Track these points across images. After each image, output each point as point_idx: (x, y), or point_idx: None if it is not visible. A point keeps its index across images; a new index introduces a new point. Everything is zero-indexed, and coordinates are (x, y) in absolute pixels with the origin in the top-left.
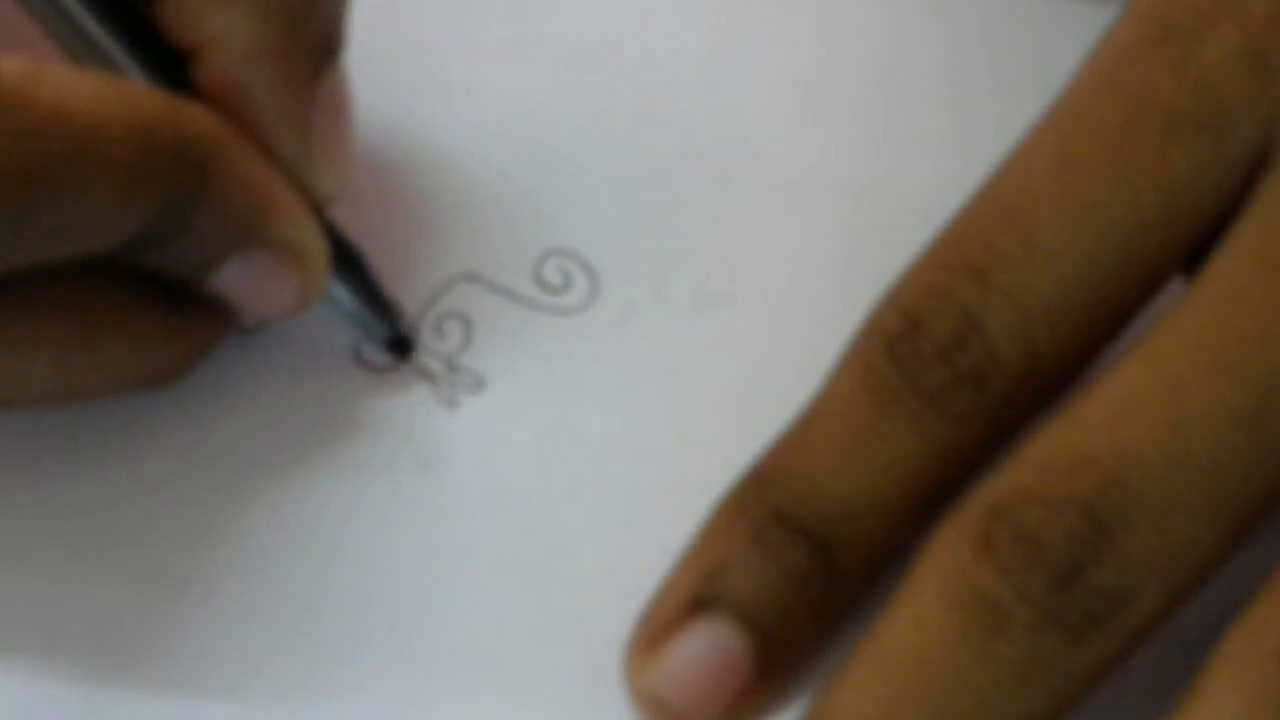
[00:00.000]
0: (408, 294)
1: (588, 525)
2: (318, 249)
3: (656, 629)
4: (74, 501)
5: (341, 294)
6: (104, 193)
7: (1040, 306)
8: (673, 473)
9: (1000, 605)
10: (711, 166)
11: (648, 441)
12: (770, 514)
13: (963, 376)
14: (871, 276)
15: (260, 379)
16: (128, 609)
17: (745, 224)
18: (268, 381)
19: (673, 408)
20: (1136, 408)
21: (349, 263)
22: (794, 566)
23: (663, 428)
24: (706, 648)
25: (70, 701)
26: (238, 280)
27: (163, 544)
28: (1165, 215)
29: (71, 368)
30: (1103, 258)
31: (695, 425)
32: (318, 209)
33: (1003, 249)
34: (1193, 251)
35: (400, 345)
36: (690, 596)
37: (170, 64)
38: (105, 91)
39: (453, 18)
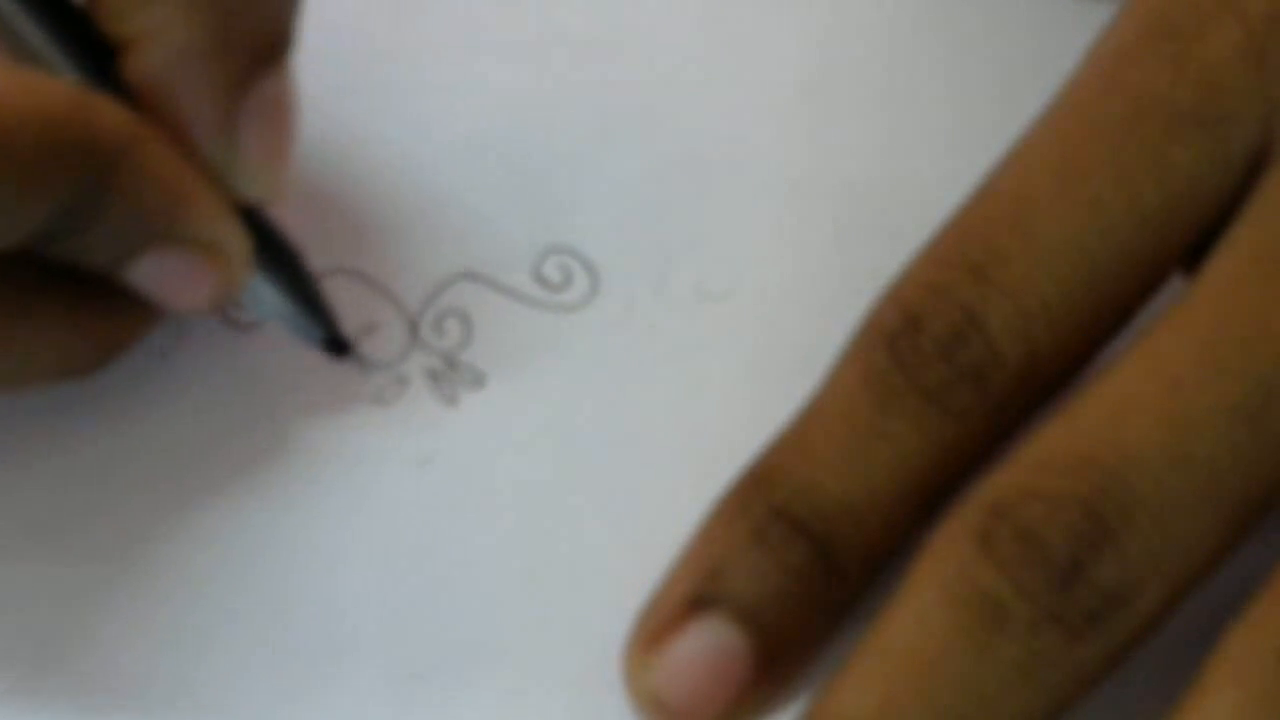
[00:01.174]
0: (408, 291)
1: (587, 522)
2: (236, 247)
3: (656, 627)
4: (65, 498)
5: (272, 293)
6: (0, 187)
7: (1040, 304)
8: (672, 470)
9: (1001, 603)
10: (711, 164)
11: (647, 439)
12: (770, 512)
13: (963, 374)
14: (871, 274)
15: (258, 375)
16: (120, 607)
17: (745, 221)
18: (265, 377)
19: (672, 405)
20: (1137, 405)
21: (282, 261)
22: (794, 564)
23: (662, 425)
24: (706, 646)
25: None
26: (152, 276)
27: (157, 540)
28: (1165, 212)
29: None
30: (1103, 255)
31: (695, 422)
32: (251, 206)
33: (1003, 246)
34: (1193, 249)
35: (335, 345)
36: (690, 595)
37: (103, 59)
38: (7, 82)
39: (453, 16)
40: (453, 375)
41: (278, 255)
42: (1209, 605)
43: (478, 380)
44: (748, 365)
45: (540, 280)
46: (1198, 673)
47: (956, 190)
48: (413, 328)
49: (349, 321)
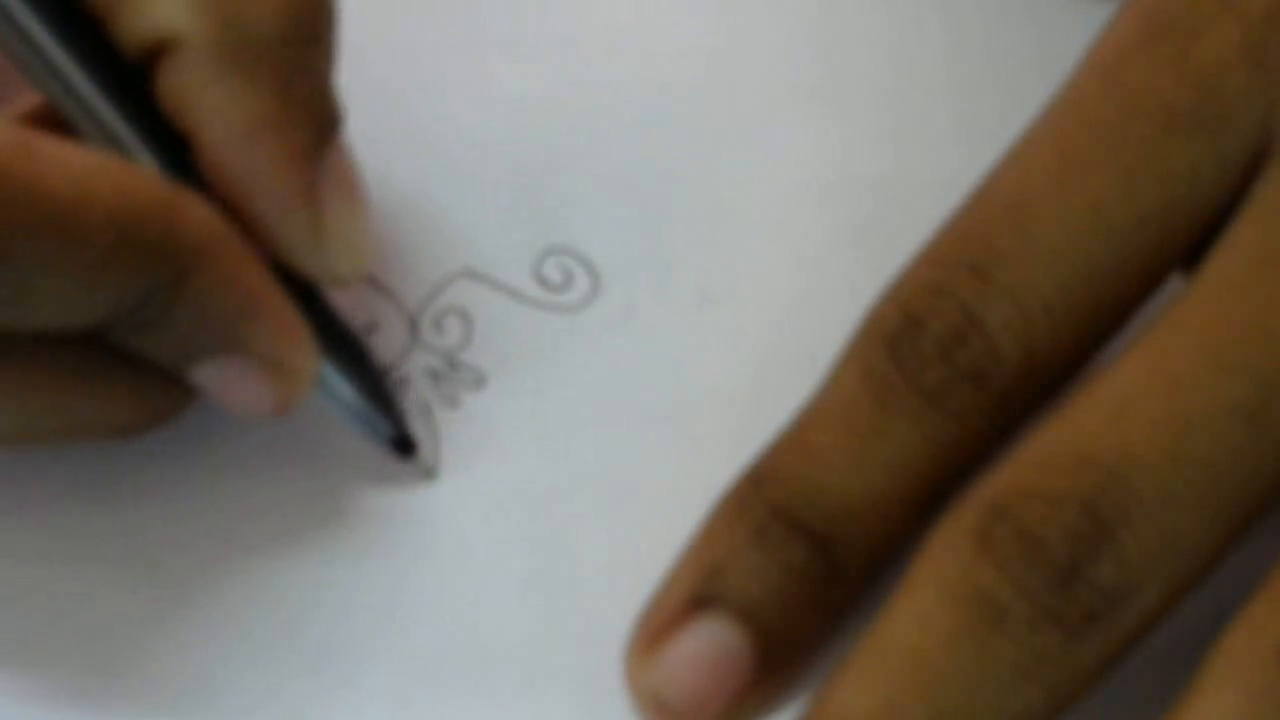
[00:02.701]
0: (408, 290)
1: (587, 522)
2: (303, 362)
3: (657, 627)
4: (69, 508)
5: (342, 388)
6: (72, 273)
7: (1040, 304)
8: (673, 470)
9: (1000, 602)
10: (712, 165)
11: (648, 439)
12: (770, 512)
13: (963, 374)
14: (872, 275)
15: None
16: (123, 608)
17: (746, 222)
18: None
19: (673, 405)
20: (1136, 405)
21: (351, 356)
22: (794, 565)
23: (663, 425)
24: (707, 646)
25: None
26: (214, 380)
27: (160, 548)
28: (1165, 211)
29: (34, 417)
30: (1102, 255)
31: (695, 423)
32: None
33: (1002, 246)
34: (1192, 248)
35: (403, 445)
36: (690, 595)
37: (181, 151)
38: (95, 171)
39: (454, 15)
40: (453, 375)
41: (347, 350)
42: (1207, 605)
43: (478, 380)
44: (748, 366)
45: (541, 280)
46: (1196, 673)
47: (956, 190)
48: (413, 326)
49: (350, 321)
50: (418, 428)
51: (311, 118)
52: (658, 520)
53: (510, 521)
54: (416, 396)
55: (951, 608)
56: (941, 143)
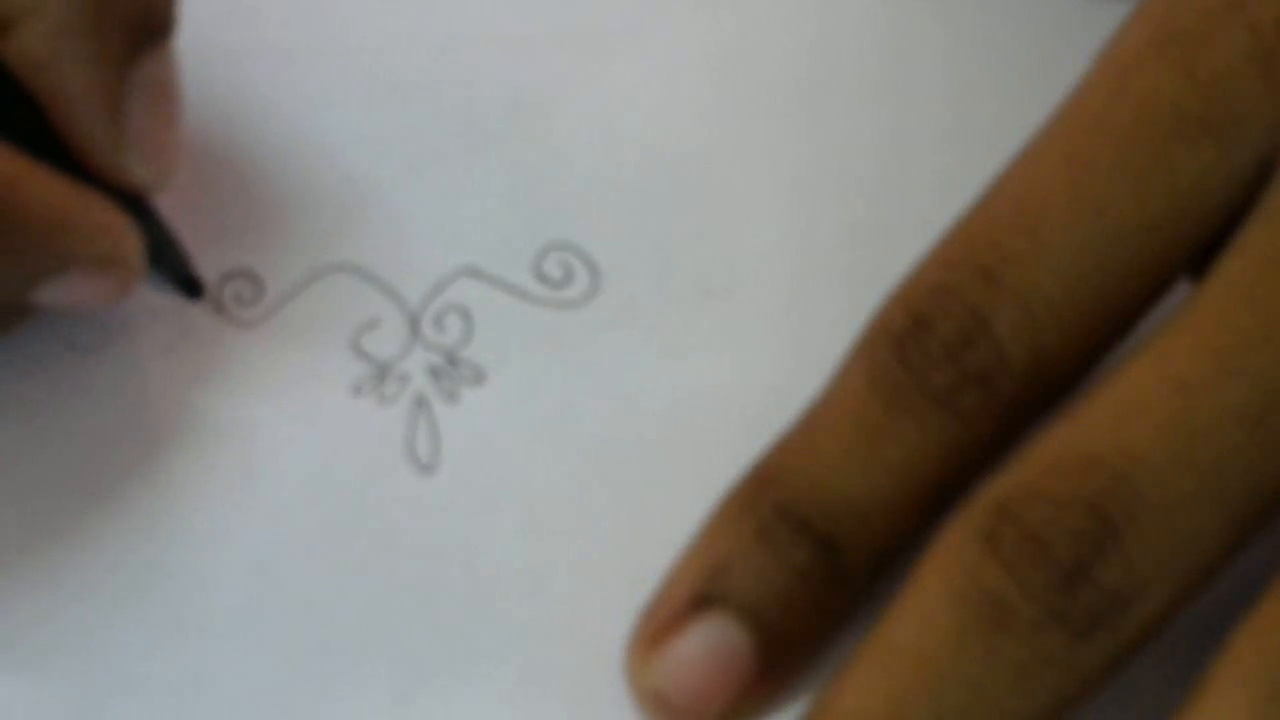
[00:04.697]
0: (409, 287)
1: (588, 519)
2: (133, 249)
3: (659, 625)
4: (66, 501)
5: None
6: None
7: (1048, 307)
8: (674, 468)
9: (1005, 603)
10: (713, 161)
11: (648, 436)
12: (774, 511)
13: (970, 376)
14: (874, 273)
15: (256, 372)
16: (122, 608)
17: (746, 219)
18: (264, 375)
19: (673, 403)
20: (1143, 408)
21: (136, 211)
22: (798, 564)
23: (663, 423)
24: (709, 645)
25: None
26: (54, 298)
27: (154, 541)
28: (1173, 216)
29: None
30: (1110, 258)
31: (696, 420)
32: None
33: (1011, 249)
34: (1200, 254)
35: (191, 286)
36: (693, 593)
37: None
38: None
39: (455, 11)
40: (453, 372)
41: (130, 205)
42: (1214, 606)
43: (478, 377)
44: (749, 364)
45: (541, 277)
46: (1203, 674)
47: (961, 190)
48: (414, 324)
49: (350, 318)
50: (416, 424)
51: (126, 24)
52: (659, 518)
53: (510, 517)
54: (415, 392)
55: (957, 608)
56: (945, 142)
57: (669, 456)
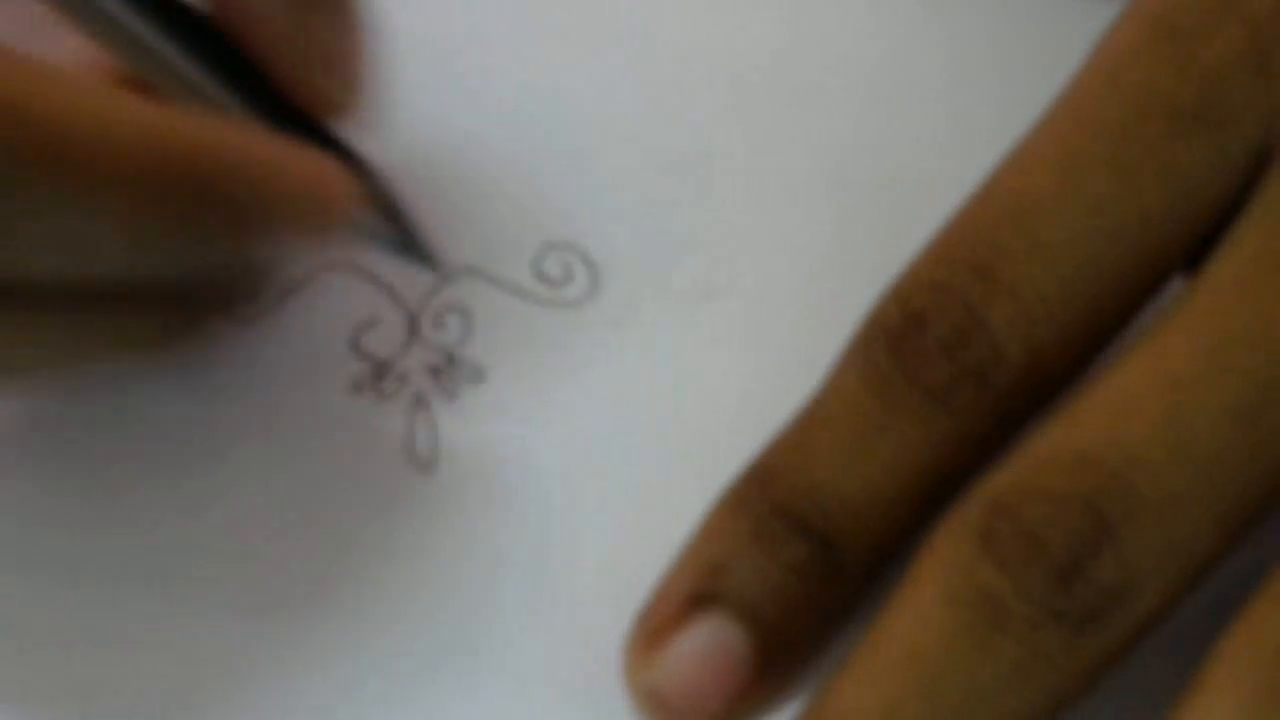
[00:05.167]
0: (409, 286)
1: (586, 518)
2: (343, 189)
3: (656, 625)
4: (65, 497)
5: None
6: (67, 201)
7: (1043, 303)
8: (673, 467)
9: (1001, 601)
10: (713, 160)
11: (647, 435)
12: (771, 510)
13: (965, 372)
14: (872, 272)
15: (256, 370)
16: (121, 607)
17: (746, 218)
18: (264, 373)
19: (673, 401)
20: (1138, 405)
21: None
22: (795, 563)
23: (663, 422)
24: (707, 644)
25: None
26: (279, 248)
27: (156, 542)
28: (1167, 212)
29: (79, 332)
30: (1105, 255)
31: (695, 419)
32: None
33: (1006, 245)
34: (1195, 249)
35: (422, 254)
36: (690, 593)
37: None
38: (87, 100)
39: (455, 10)
40: (453, 370)
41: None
42: (1209, 604)
43: (478, 376)
44: (749, 362)
45: (541, 276)
46: (1197, 671)
47: (958, 189)
48: (413, 323)
49: (349, 317)
50: (415, 422)
51: None
52: (657, 516)
53: (508, 515)
54: (414, 390)
55: (952, 606)
56: (943, 141)
57: (668, 455)
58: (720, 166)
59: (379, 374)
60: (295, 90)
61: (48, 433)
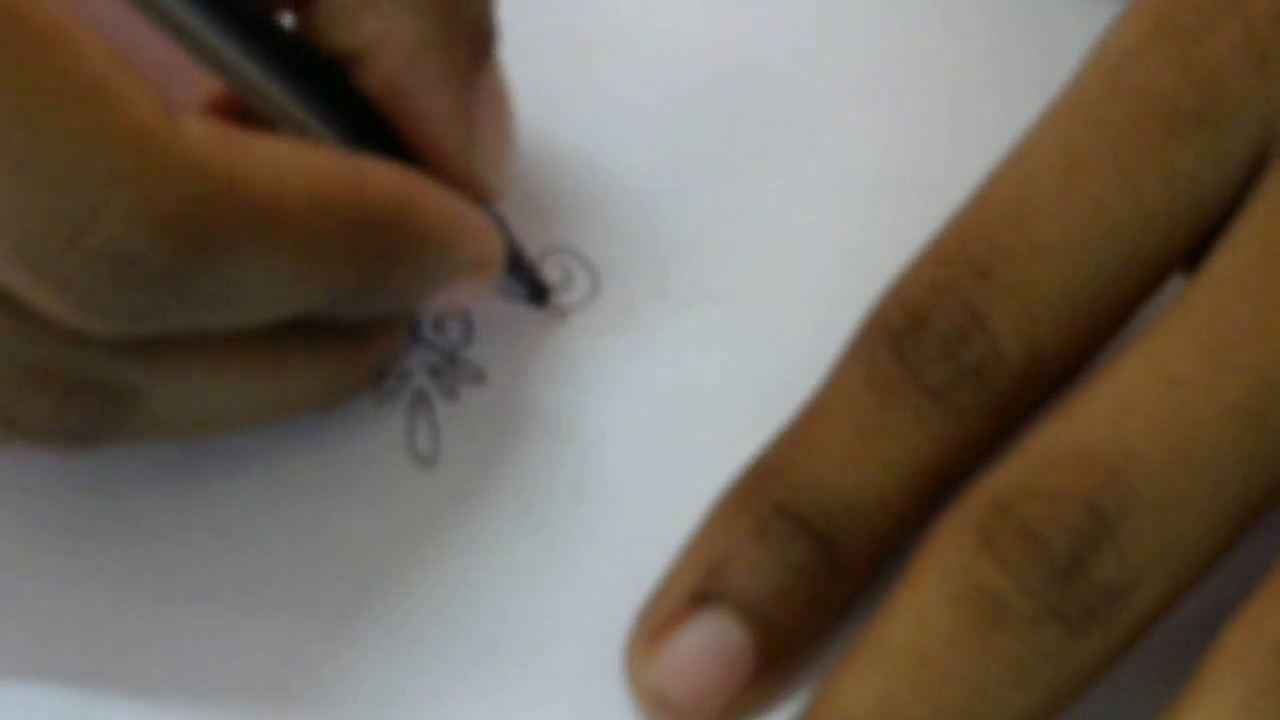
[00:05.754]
0: None
1: (587, 518)
2: (499, 248)
3: (658, 623)
4: (66, 496)
5: None
6: (280, 262)
7: (1043, 302)
8: (673, 467)
9: (1000, 599)
10: (712, 164)
11: (647, 437)
12: (772, 508)
13: (966, 371)
14: (872, 273)
15: None
16: (121, 606)
17: (746, 221)
18: None
19: (672, 403)
20: (1137, 403)
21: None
22: (796, 561)
23: (662, 423)
24: (708, 642)
25: (64, 700)
26: (436, 303)
27: (156, 540)
28: (1168, 211)
29: (257, 394)
30: (1105, 253)
31: (695, 420)
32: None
33: (1006, 245)
34: (1194, 248)
35: (539, 295)
36: (692, 591)
37: (324, 78)
38: (285, 159)
39: None
40: (453, 372)
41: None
42: (1208, 602)
43: (478, 378)
44: (748, 364)
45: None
46: (1196, 670)
47: (957, 190)
48: (414, 325)
49: None
50: (416, 419)
51: (469, 39)
52: (658, 516)
53: (509, 515)
54: (416, 388)
55: (952, 604)
56: (942, 142)
57: (668, 455)
58: (720, 171)
59: (380, 372)
60: (453, 175)
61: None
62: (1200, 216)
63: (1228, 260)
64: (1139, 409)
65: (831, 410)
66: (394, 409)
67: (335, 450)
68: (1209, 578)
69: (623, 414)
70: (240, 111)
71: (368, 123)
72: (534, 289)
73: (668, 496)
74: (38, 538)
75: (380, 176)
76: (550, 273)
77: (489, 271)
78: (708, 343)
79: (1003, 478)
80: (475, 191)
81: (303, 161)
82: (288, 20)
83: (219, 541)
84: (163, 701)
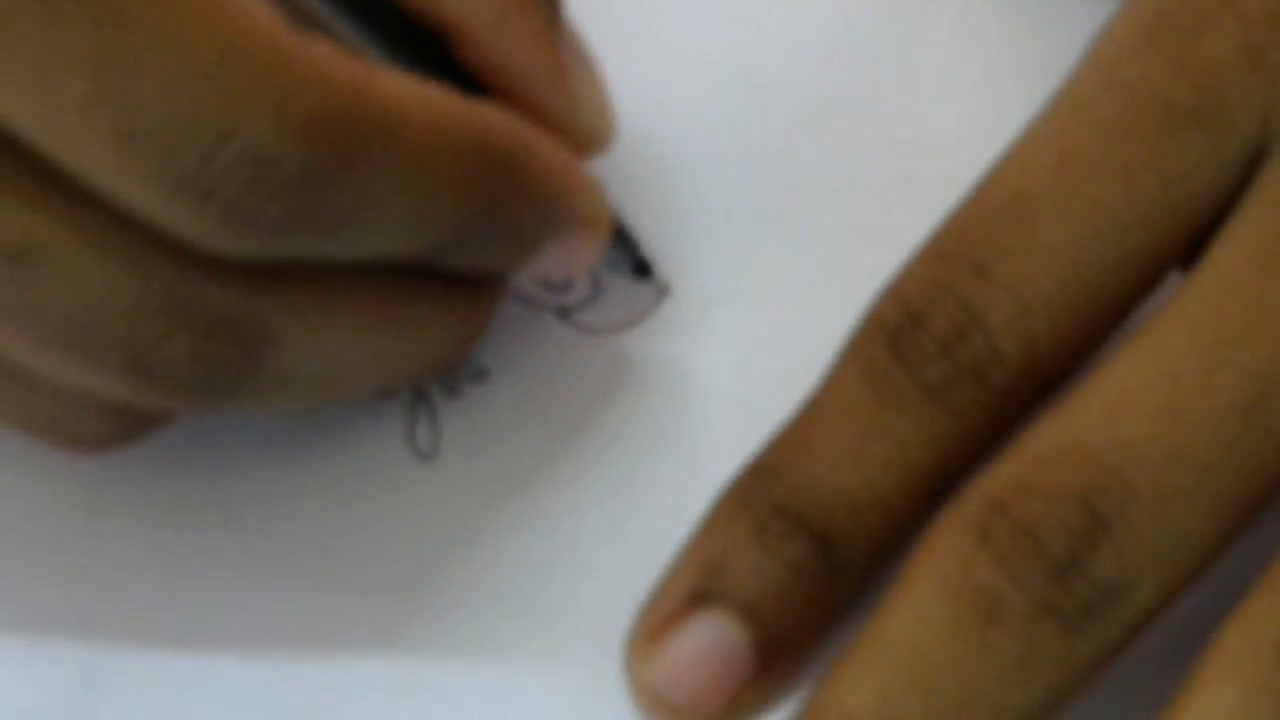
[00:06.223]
0: None
1: (587, 517)
2: (606, 211)
3: (657, 623)
4: (69, 491)
5: None
6: (402, 181)
7: (1040, 300)
8: (672, 465)
9: (998, 597)
10: (712, 164)
11: (647, 435)
12: (771, 508)
13: (963, 369)
14: (870, 273)
15: None
16: (123, 601)
17: (746, 221)
18: None
19: (672, 402)
20: (1133, 400)
21: None
22: (794, 560)
23: (662, 421)
24: (707, 642)
25: (64, 692)
26: (548, 263)
27: (157, 533)
28: (1164, 209)
29: (377, 345)
30: (1102, 251)
31: (694, 419)
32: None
33: (1003, 242)
34: (1191, 245)
35: (641, 269)
36: (690, 590)
37: (425, 47)
38: (407, 86)
39: None
40: (454, 369)
41: None
42: (1205, 599)
43: (479, 374)
44: (748, 364)
45: (542, 280)
46: (1194, 666)
47: (956, 188)
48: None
49: None
50: (416, 414)
51: None
52: (658, 515)
53: (509, 512)
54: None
55: (950, 602)
56: (941, 140)
57: (667, 454)
58: (719, 170)
59: None
60: (561, 128)
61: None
62: (1197, 214)
63: (1224, 258)
64: (1136, 407)
65: (830, 409)
66: (394, 404)
67: (336, 445)
68: (1206, 575)
69: (622, 413)
70: None
71: (471, 90)
72: (637, 261)
73: (667, 495)
74: (41, 532)
75: (496, 117)
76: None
77: (598, 230)
78: (708, 342)
79: (1000, 476)
80: (585, 143)
81: (423, 91)
82: None
83: (221, 535)
84: (162, 693)
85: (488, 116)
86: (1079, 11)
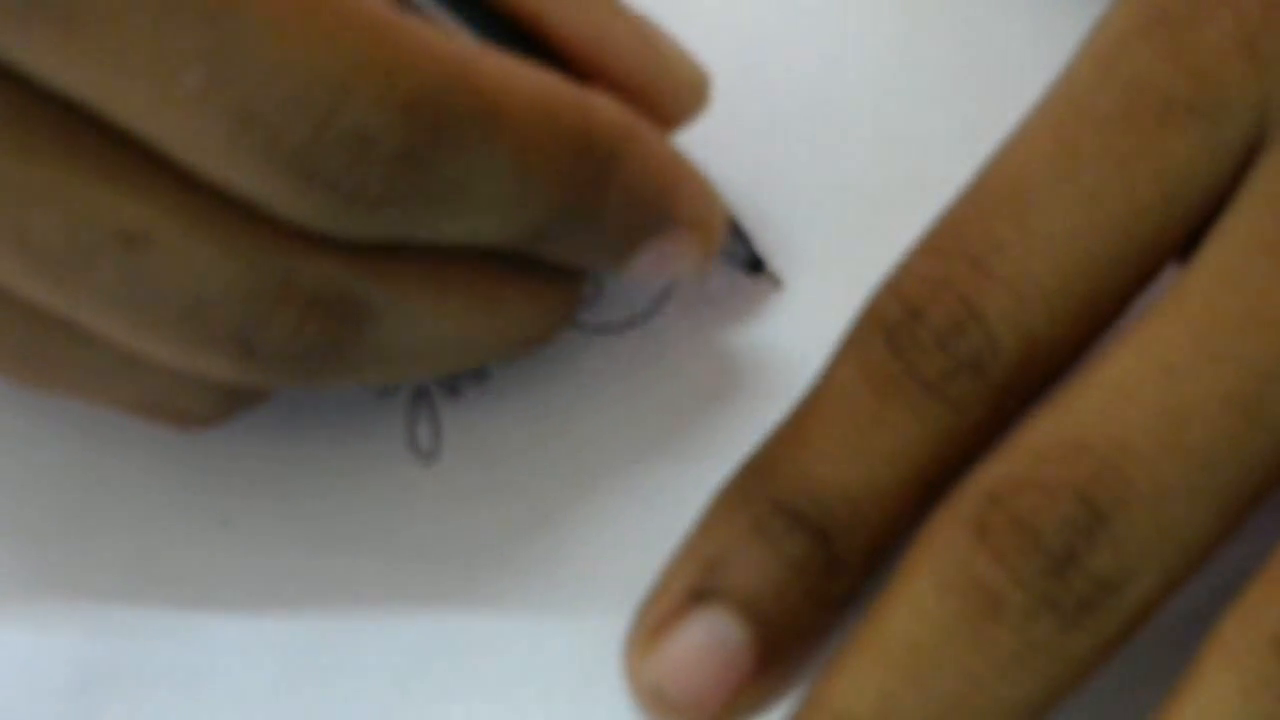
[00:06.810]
0: None
1: (587, 515)
2: (720, 215)
3: (656, 621)
4: (69, 489)
5: None
6: (502, 162)
7: (1038, 293)
8: (672, 463)
9: (996, 591)
10: (711, 164)
11: (646, 434)
12: (770, 504)
13: (962, 364)
14: (868, 273)
15: None
16: (123, 601)
17: (746, 222)
18: None
19: (672, 401)
20: (1130, 394)
21: None
22: (794, 556)
23: (662, 420)
24: (706, 639)
25: (64, 696)
26: (649, 261)
27: (157, 532)
28: (1161, 201)
29: (472, 323)
30: (1100, 244)
31: (693, 419)
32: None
33: (1000, 236)
34: (1189, 238)
35: (755, 264)
36: (690, 588)
37: (513, 35)
38: (511, 67)
39: None
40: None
41: None
42: (1204, 593)
43: (480, 375)
44: (749, 364)
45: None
46: (1192, 660)
47: (954, 186)
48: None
49: None
50: (417, 413)
51: None
52: (656, 511)
53: (509, 511)
54: (416, 383)
55: (947, 597)
56: (939, 138)
57: (667, 453)
58: (718, 170)
59: None
60: (656, 94)
61: (52, 424)
62: (1194, 206)
63: (1221, 250)
64: (1133, 400)
65: (828, 405)
66: (395, 404)
67: (336, 444)
68: (1204, 568)
69: (623, 412)
70: None
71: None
72: (750, 256)
73: (667, 494)
74: (41, 529)
75: (602, 104)
76: None
77: (707, 237)
78: (708, 341)
79: (997, 470)
80: (687, 100)
81: (527, 73)
82: None
83: (220, 534)
84: (162, 692)
85: (592, 102)
86: (1079, 11)
